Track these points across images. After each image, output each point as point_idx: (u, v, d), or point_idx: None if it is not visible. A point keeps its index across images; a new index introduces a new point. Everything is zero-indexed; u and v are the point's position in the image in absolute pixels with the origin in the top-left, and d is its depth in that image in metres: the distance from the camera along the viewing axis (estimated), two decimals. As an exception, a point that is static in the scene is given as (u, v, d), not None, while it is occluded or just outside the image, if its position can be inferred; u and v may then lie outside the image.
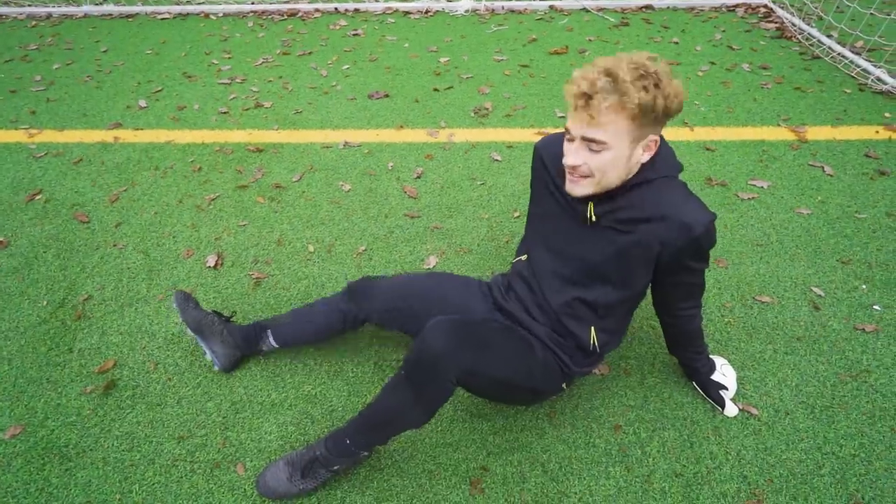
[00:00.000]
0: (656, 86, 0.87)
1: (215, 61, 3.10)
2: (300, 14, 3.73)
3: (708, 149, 2.29)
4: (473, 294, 1.29)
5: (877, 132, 2.36)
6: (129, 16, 3.76)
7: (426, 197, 2.05)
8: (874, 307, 1.60)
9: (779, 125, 2.43)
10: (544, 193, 1.18)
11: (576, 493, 1.19)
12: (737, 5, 3.71)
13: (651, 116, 0.89)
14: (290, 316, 1.39)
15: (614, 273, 1.08)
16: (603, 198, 1.03)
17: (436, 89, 2.76)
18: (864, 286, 1.67)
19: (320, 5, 3.78)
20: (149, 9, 3.77)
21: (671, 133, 2.40)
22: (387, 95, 2.73)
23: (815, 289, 1.65)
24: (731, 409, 1.31)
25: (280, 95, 2.75)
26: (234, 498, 1.18)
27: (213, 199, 2.06)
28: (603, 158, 0.92)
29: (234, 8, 3.75)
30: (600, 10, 3.71)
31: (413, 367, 0.99)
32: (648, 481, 1.21)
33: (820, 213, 1.94)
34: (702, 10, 3.68)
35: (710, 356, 1.36)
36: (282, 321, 1.39)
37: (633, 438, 1.29)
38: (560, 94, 2.71)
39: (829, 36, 3.13)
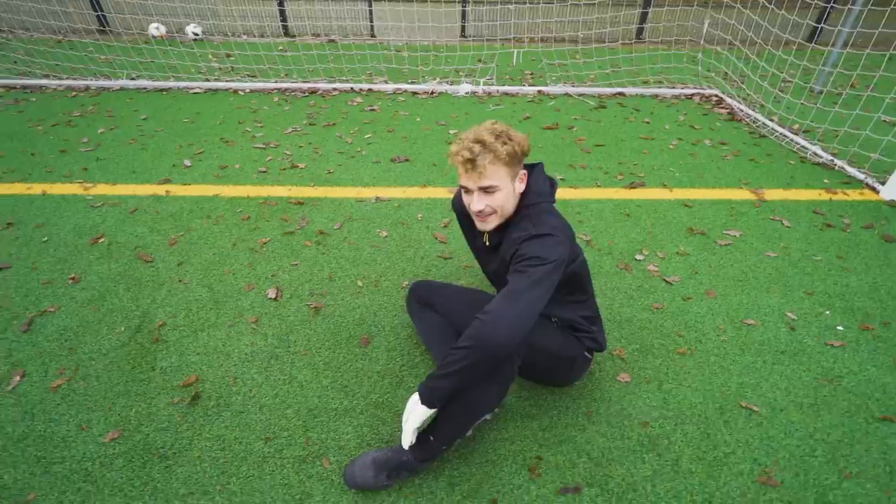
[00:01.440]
0: (510, 138, 1.25)
1: (248, 129, 3.49)
2: (320, 92, 4.24)
3: (686, 205, 2.74)
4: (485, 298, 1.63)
5: (819, 194, 2.89)
6: (163, 89, 4.19)
7: (454, 242, 2.38)
8: (838, 328, 1.95)
9: (741, 187, 2.94)
10: (470, 235, 1.62)
11: (619, 475, 1.41)
12: (692, 94, 4.45)
13: (516, 158, 1.27)
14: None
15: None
16: (493, 231, 1.40)
17: (450, 155, 3.20)
18: (827, 312, 2.03)
19: (337, 85, 4.32)
20: (181, 84, 4.22)
21: (655, 193, 2.85)
22: (407, 160, 3.14)
23: (788, 314, 2.01)
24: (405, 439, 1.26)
25: (312, 158, 3.13)
26: (322, 487, 1.35)
27: (264, 243, 2.33)
28: (498, 197, 1.28)
29: (259, 85, 4.25)
30: (580, 95, 4.39)
31: (485, 344, 1.21)
32: (677, 465, 1.44)
33: (784, 256, 2.35)
34: (664, 98, 4.40)
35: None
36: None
37: (659, 432, 1.54)
38: (557, 160, 3.18)
39: (770, 119, 3.81)
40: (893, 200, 2.83)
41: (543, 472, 1.41)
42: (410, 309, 1.77)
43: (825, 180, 3.04)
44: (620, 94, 4.42)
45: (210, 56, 4.98)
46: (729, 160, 3.26)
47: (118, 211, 2.53)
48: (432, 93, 4.32)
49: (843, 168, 3.16)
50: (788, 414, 1.60)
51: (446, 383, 1.19)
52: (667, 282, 2.17)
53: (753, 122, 3.86)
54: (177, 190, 2.73)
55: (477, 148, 1.22)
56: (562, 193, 2.80)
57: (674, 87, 4.55)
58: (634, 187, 2.92)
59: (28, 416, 1.51)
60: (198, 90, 4.19)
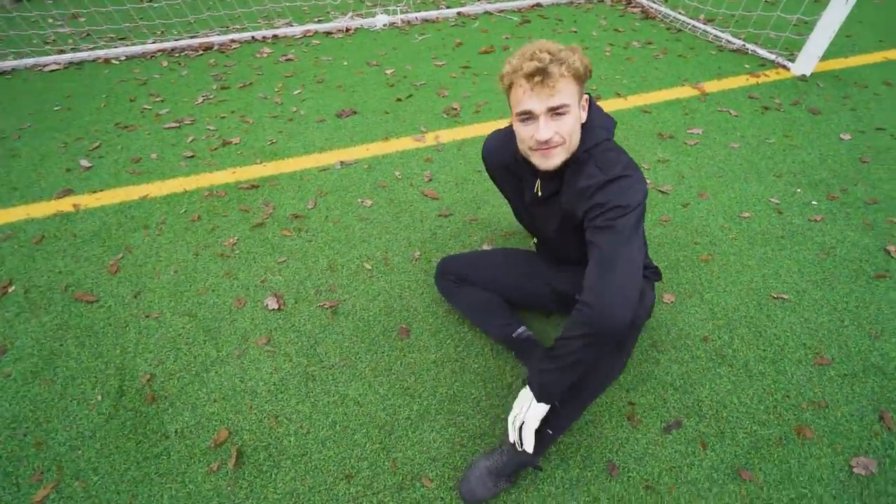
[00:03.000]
0: (573, 52, 0.97)
1: (148, 107, 2.68)
2: (216, 47, 3.36)
3: (645, 111, 2.61)
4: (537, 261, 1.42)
5: (747, 80, 2.90)
6: (3, 72, 3.05)
7: (448, 196, 2.05)
8: (812, 202, 2.00)
9: (683, 85, 2.86)
10: (513, 189, 1.30)
11: (706, 398, 1.34)
12: (603, -3, 4.20)
13: (586, 75, 0.99)
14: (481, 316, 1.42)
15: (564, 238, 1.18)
16: (546, 179, 1.11)
17: (399, 99, 2.73)
18: (798, 190, 2.07)
19: (234, 35, 3.45)
20: (28, 61, 3.10)
21: (614, 104, 2.68)
22: (355, 112, 2.63)
23: (772, 199, 2.02)
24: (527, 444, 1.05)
25: (244, 130, 2.49)
26: (435, 510, 1.12)
27: (234, 244, 1.83)
28: (567, 122, 0.98)
29: (136, 49, 3.25)
30: (501, 11, 3.95)
31: (602, 331, 1.01)
32: (748, 370, 1.40)
33: (745, 145, 2.35)
34: (580, 4, 4.11)
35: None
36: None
37: (720, 343, 1.48)
38: (510, 86, 2.85)
39: (679, 13, 3.72)
40: (804, 75, 2.92)
41: (642, 417, 1.29)
42: (444, 289, 1.48)
43: (745, 65, 3.06)
44: (538, 5, 4.05)
45: (51, 20, 3.70)
46: (661, 59, 3.15)
47: (16, 244, 1.82)
48: (347, 30, 3.62)
49: (755, 52, 3.19)
50: (810, 293, 1.62)
51: (564, 377, 0.98)
52: (662, 192, 2.06)
53: (665, 17, 3.74)
54: (87, 201, 2.03)
55: (547, 56, 0.92)
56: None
57: (583, -8, 4.25)
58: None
59: (19, 550, 1.06)
60: (55, 66, 3.11)
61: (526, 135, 1.01)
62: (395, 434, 1.26)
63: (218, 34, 3.48)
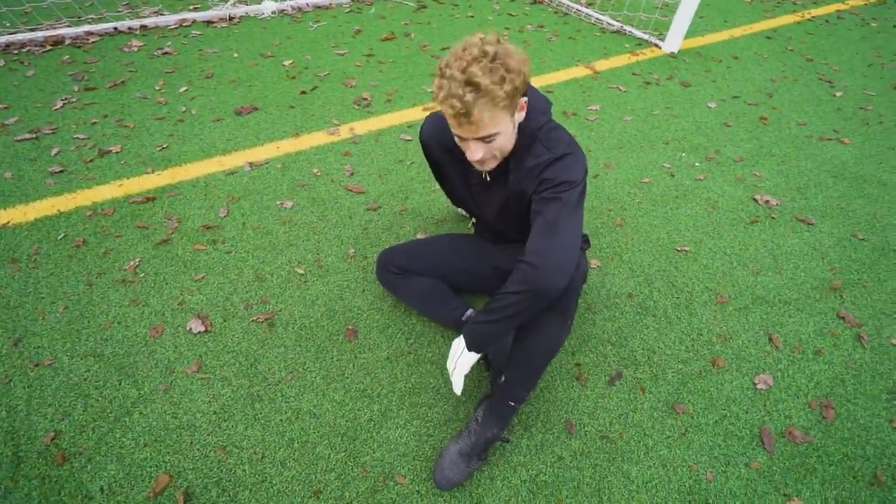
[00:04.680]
0: (508, 71, 0.89)
1: (-13, 116, 2.21)
2: (67, 41, 2.87)
3: (549, 91, 2.77)
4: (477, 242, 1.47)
5: (628, 58, 3.21)
6: None
7: (373, 189, 2.00)
8: (695, 164, 2.30)
9: (577, 65, 3.08)
10: (456, 173, 1.33)
11: (638, 347, 1.49)
12: (492, -18, 4.34)
13: (518, 94, 0.95)
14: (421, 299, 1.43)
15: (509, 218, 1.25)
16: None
17: (303, 92, 2.58)
18: (683, 154, 2.37)
19: (91, 27, 2.96)
20: None
21: (519, 86, 2.80)
22: (256, 108, 2.43)
23: (664, 164, 2.28)
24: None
25: (123, 135, 2.17)
26: (415, 503, 1.12)
27: (135, 267, 1.60)
28: (498, 142, 0.99)
29: (-43, 46, 2.65)
30: (395, -3, 3.89)
31: (563, 297, 1.08)
32: (667, 316, 1.59)
33: (635, 118, 2.61)
34: (472, -12, 4.19)
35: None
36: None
37: (642, 297, 1.65)
38: (419, 72, 2.84)
39: (565, -3, 3.99)
40: (673, 52, 3.31)
41: (588, 375, 1.41)
42: (388, 282, 1.46)
43: (625, 45, 3.38)
44: (432, -10, 4.05)
45: None
46: (554, 41, 3.35)
47: None
48: (231, 18, 3.31)
49: (631, 32, 3.54)
50: (705, 243, 1.88)
51: (497, 328, 1.04)
52: (574, 166, 2.22)
53: (551, 1, 3.98)
54: (-79, 238, 1.64)
55: (470, 96, 0.88)
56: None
57: (474, -23, 4.34)
58: (499, 84, 2.81)
59: None
60: None
61: (462, 148, 1.04)
62: (359, 439, 1.22)
63: (68, 25, 2.96)
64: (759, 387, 1.40)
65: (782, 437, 1.29)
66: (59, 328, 1.41)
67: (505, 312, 1.00)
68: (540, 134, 1.08)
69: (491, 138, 0.97)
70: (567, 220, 1.00)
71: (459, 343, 1.11)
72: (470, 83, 0.87)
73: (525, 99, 1.04)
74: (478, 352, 1.08)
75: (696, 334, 1.54)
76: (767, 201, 2.08)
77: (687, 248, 1.84)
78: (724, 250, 1.84)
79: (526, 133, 1.07)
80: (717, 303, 1.65)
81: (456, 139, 1.04)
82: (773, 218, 2.01)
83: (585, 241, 1.42)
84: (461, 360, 1.09)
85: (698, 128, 2.56)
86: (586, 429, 1.28)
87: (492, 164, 1.07)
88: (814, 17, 4.05)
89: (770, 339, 1.54)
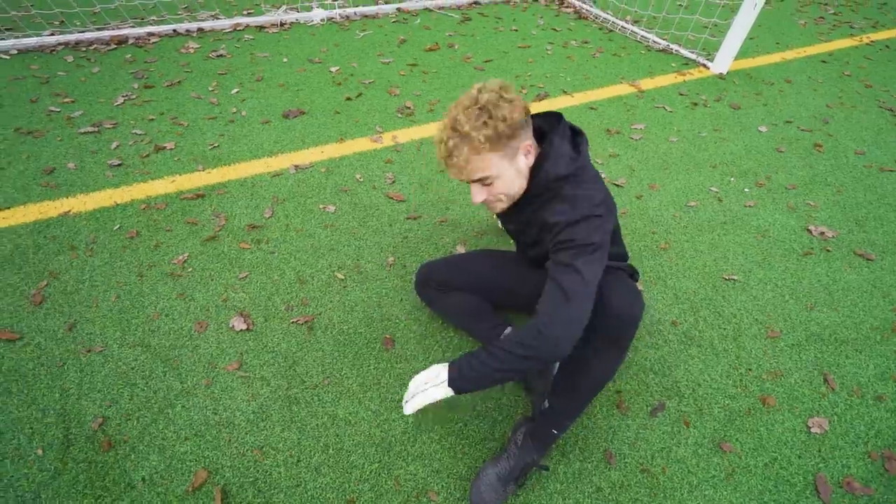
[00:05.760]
0: (490, 117, 0.93)
1: (54, 108, 2.34)
2: (130, 40, 3.02)
3: (592, 108, 2.74)
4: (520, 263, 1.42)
5: (675, 78, 3.15)
6: None
7: (414, 198, 2.01)
8: (745, 190, 2.22)
9: (621, 83, 3.04)
10: None
11: (682, 378, 1.43)
12: (537, -4, 4.35)
13: (502, 138, 0.95)
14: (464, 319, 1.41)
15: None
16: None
17: (348, 98, 2.63)
18: (732, 178, 2.29)
19: (152, 28, 3.11)
20: None
21: (562, 102, 2.78)
22: (303, 112, 2.48)
23: (712, 189, 2.21)
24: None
25: (178, 133, 2.26)
26: (446, 523, 1.09)
27: (184, 261, 1.65)
28: (497, 186, 1.01)
29: (32, 41, 2.82)
30: (440, 8, 3.94)
31: (625, 331, 1.03)
32: (713, 348, 1.52)
33: (681, 139, 2.54)
34: (516, 3, 4.21)
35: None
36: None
37: (686, 326, 1.59)
38: (461, 83, 2.86)
39: (608, 14, 3.95)
40: (722, 73, 3.23)
41: (629, 403, 1.36)
42: (427, 297, 1.45)
43: (672, 64, 3.31)
44: (476, 3, 4.09)
45: None
46: (598, 58, 3.32)
47: None
48: (282, 24, 3.41)
49: (679, 51, 3.47)
50: (755, 273, 1.80)
51: (487, 381, 0.99)
52: (617, 185, 2.18)
53: (596, 17, 3.95)
54: (-10, 221, 1.74)
55: (451, 142, 0.95)
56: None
57: (519, -9, 4.36)
58: (542, 99, 2.80)
59: None
60: (-78, 62, 2.61)
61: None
62: (393, 450, 1.21)
63: (132, 26, 3.12)
64: (813, 430, 1.32)
65: (839, 486, 1.21)
66: (110, 316, 1.46)
67: (503, 366, 0.95)
68: (565, 187, 1.02)
69: (487, 181, 1.00)
70: (581, 292, 0.94)
71: (440, 372, 1.01)
72: (454, 129, 0.95)
73: (529, 142, 1.02)
74: (457, 392, 0.99)
75: (744, 369, 1.47)
76: (822, 233, 1.99)
77: (735, 278, 1.77)
78: (774, 282, 1.76)
79: (542, 182, 1.03)
80: (768, 337, 1.57)
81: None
82: (828, 251, 1.91)
83: (634, 272, 1.38)
84: (433, 390, 1.00)
85: (748, 152, 2.47)
86: (626, 460, 1.24)
87: (499, 207, 1.08)
88: (873, 41, 3.88)
89: (825, 380, 1.45)
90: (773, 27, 4.03)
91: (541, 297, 0.98)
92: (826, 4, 4.61)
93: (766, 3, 4.42)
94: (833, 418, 1.36)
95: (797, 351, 1.53)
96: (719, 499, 1.17)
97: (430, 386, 1.00)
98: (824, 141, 2.60)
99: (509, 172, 1.00)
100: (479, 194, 1.02)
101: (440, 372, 1.01)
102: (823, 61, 3.50)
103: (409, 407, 1.01)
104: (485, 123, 0.92)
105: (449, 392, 0.99)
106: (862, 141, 2.63)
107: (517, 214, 1.13)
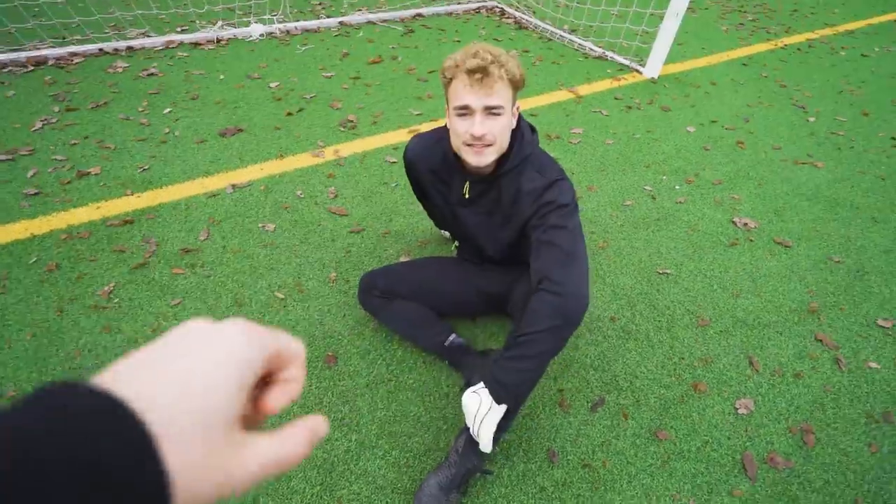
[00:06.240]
0: (514, 61, 1.04)
1: (-38, 136, 2.18)
2: (51, 61, 2.86)
3: (533, 115, 2.83)
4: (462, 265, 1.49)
5: (610, 83, 3.30)
6: None
7: (357, 211, 2.00)
8: (676, 187, 2.35)
9: (560, 89, 3.15)
10: (437, 191, 1.31)
11: (620, 372, 1.49)
12: (478, 8, 4.46)
13: (521, 84, 1.05)
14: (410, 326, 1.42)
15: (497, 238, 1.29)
16: (475, 182, 1.19)
17: (289, 113, 2.59)
18: (664, 177, 2.41)
19: (75, 48, 2.96)
20: None
21: (503, 109, 2.84)
22: (241, 130, 2.43)
23: (646, 187, 2.32)
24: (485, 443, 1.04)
25: (104, 157, 2.15)
26: (391, 541, 1.08)
27: (109, 292, 1.57)
28: (500, 122, 1.04)
29: (-64, 65, 2.62)
30: (384, 21, 3.96)
31: (572, 319, 1.04)
32: (649, 340, 1.59)
33: (616, 141, 2.66)
34: (459, 14, 4.30)
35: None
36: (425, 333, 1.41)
37: (624, 320, 1.65)
38: (405, 94, 2.88)
39: (547, 24, 4.10)
40: (653, 78, 3.41)
41: (571, 401, 1.39)
42: (370, 306, 1.44)
43: (608, 70, 3.47)
44: (419, 15, 4.15)
45: None
46: (539, 66, 3.44)
47: None
48: (219, 40, 3.33)
49: (613, 58, 3.65)
50: (686, 266, 1.90)
51: (534, 374, 1.03)
52: (557, 189, 2.25)
53: (535, 27, 4.10)
54: None
55: (489, 57, 0.98)
56: (427, 127, 2.57)
57: (460, 3, 4.46)
58: (484, 108, 2.86)
59: None
60: None
61: (461, 129, 1.05)
62: (335, 471, 1.19)
63: (50, 46, 2.96)
64: (740, 411, 1.40)
65: (764, 463, 1.28)
66: (24, 357, 1.36)
67: (537, 349, 0.99)
68: (530, 159, 1.14)
69: (497, 111, 1.02)
70: (580, 249, 1.07)
71: (477, 399, 1.02)
72: (489, 51, 0.99)
73: (518, 107, 1.11)
74: (512, 405, 1.02)
75: (677, 358, 1.54)
76: (746, 224, 2.13)
77: (668, 271, 1.86)
78: (704, 273, 1.87)
79: (517, 157, 1.12)
80: (699, 326, 1.66)
81: (458, 121, 1.04)
82: (751, 241, 2.05)
83: None
84: (490, 416, 1.00)
85: (678, 151, 2.62)
86: (569, 457, 1.27)
87: (489, 156, 1.07)
88: (786, 45, 4.22)
89: (751, 363, 1.55)
90: (700, 33, 4.30)
91: (537, 265, 1.05)
92: (745, 11, 4.98)
93: (691, 11, 4.73)
94: (758, 398, 1.44)
95: (725, 337, 1.62)
96: (656, 486, 1.22)
97: (483, 417, 1.01)
98: (745, 138, 2.79)
99: (509, 118, 1.06)
100: (483, 125, 1.02)
101: (474, 399, 1.02)
102: (744, 64, 3.77)
103: (487, 447, 1.03)
104: (517, 65, 1.02)
105: (503, 408, 1.01)
106: (778, 137, 2.84)
107: (489, 192, 1.18)
